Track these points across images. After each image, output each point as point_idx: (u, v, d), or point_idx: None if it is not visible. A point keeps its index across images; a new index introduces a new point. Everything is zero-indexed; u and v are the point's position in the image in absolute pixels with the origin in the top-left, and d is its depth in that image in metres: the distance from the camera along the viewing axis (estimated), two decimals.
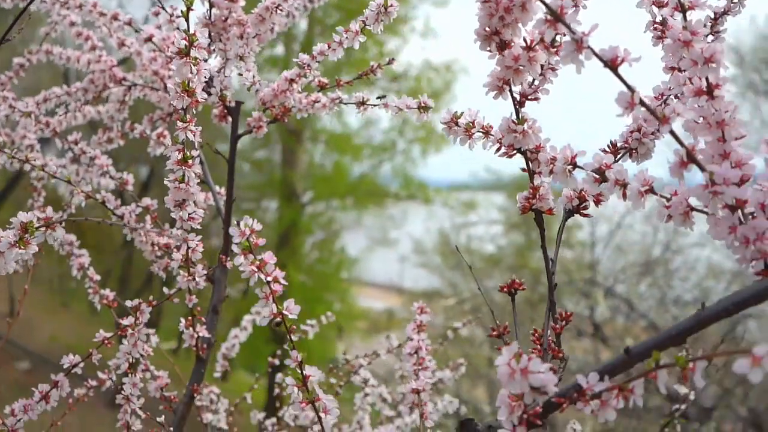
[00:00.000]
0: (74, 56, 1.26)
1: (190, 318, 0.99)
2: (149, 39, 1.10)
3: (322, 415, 0.66)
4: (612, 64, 0.52)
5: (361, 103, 0.98)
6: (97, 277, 1.13)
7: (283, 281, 0.65)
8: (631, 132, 0.71)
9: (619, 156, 0.71)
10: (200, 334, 1.00)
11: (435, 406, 1.36)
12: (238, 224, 0.63)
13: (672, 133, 0.53)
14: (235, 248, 0.64)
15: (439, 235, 10.30)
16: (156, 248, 1.06)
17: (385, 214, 12.37)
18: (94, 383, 1.14)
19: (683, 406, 1.10)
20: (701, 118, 0.56)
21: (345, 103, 1.00)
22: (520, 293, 0.75)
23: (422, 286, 9.99)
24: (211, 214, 1.15)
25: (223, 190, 1.16)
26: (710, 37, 0.73)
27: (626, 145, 0.71)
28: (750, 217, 0.55)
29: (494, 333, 0.69)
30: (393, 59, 1.04)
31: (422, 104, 0.87)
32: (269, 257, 0.65)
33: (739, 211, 0.54)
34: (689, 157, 0.53)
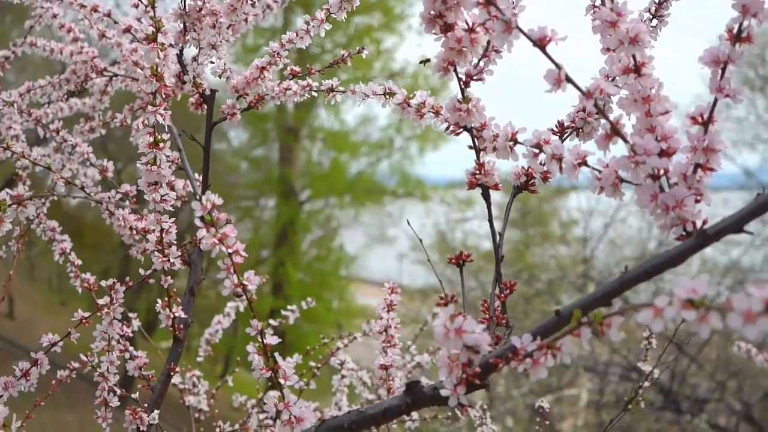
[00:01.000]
0: (57, 48, 1.30)
1: (166, 299, 1.02)
2: (128, 30, 1.13)
3: (281, 380, 0.70)
4: (540, 44, 0.56)
5: (330, 90, 1.02)
6: (79, 262, 1.16)
7: (243, 254, 0.69)
8: (577, 112, 0.74)
9: (566, 135, 0.75)
10: (176, 315, 1.03)
11: None
12: (200, 199, 0.67)
13: (597, 107, 0.56)
14: (197, 222, 0.67)
15: (435, 233, 10.35)
16: (134, 232, 1.09)
17: (383, 211, 12.42)
18: (76, 365, 1.17)
19: (646, 384, 1.14)
20: (631, 95, 0.60)
21: (315, 91, 1.04)
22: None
23: (420, 283, 10.05)
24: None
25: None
26: (654, 21, 0.77)
27: (572, 125, 0.74)
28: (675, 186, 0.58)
29: (442, 302, 0.72)
30: (363, 48, 1.08)
31: (387, 90, 0.91)
32: (230, 230, 0.68)
33: (664, 180, 0.58)
34: (613, 130, 0.56)
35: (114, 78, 1.28)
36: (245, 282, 0.68)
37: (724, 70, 0.57)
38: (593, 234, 7.60)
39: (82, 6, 1.19)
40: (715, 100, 0.57)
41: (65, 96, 1.27)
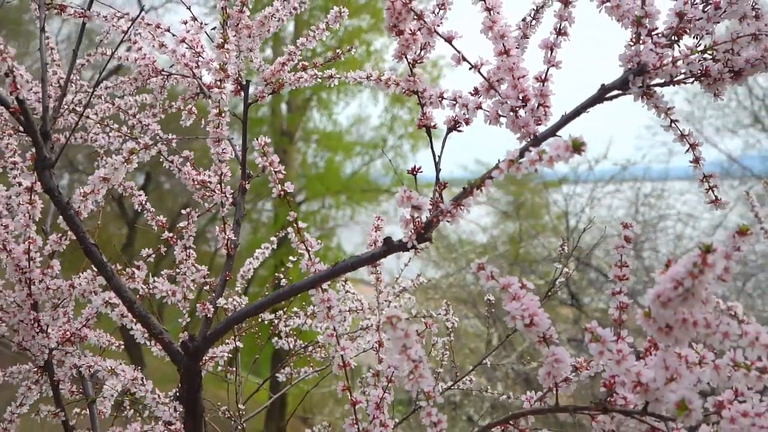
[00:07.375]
0: (124, 56, 1.75)
1: (221, 225, 1.48)
2: (183, 40, 1.58)
3: (309, 248, 1.15)
4: (449, 39, 1.01)
5: (331, 77, 1.47)
6: (153, 210, 1.62)
7: (283, 172, 1.14)
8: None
9: (479, 95, 1.20)
10: (229, 237, 1.48)
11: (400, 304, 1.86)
12: (257, 138, 1.12)
13: (481, 74, 1.02)
14: (255, 153, 1.12)
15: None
16: (195, 183, 1.54)
17: (379, 209, 12.85)
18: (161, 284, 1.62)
19: (561, 280, 1.59)
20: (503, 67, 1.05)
21: (320, 78, 1.49)
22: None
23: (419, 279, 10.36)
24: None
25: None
26: (534, 22, 1.22)
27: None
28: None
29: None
30: (352, 46, 1.54)
31: (369, 75, 1.36)
32: (276, 158, 1.14)
33: (522, 113, 1.03)
34: (490, 86, 1.02)
35: (169, 77, 1.73)
36: (285, 188, 1.14)
37: (552, 50, 1.02)
38: (574, 210, 8.12)
39: (148, 24, 1.64)
40: (547, 69, 1.03)
41: (135, 91, 1.72)
